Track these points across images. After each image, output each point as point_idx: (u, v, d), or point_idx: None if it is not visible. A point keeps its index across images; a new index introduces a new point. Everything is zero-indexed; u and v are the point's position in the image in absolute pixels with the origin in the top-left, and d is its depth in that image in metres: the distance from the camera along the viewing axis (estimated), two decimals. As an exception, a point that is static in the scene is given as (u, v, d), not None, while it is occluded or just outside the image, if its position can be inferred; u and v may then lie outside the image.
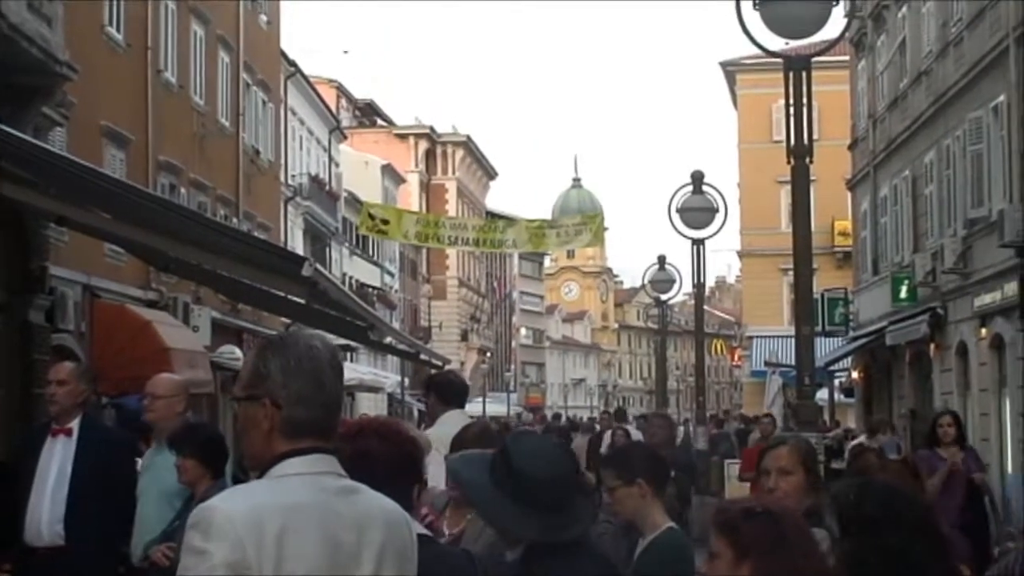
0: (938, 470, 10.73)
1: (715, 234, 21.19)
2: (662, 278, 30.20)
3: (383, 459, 3.59)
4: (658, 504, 5.17)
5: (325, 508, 2.84)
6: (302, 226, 41.66)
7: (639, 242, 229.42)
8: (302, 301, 10.64)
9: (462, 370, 71.94)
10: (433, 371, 17.28)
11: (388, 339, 21.97)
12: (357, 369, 36.92)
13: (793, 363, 13.11)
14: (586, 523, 3.82)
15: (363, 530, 2.87)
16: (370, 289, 52.68)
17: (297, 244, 39.56)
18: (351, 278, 50.57)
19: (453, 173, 75.05)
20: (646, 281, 31.70)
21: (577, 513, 3.74)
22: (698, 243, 21.42)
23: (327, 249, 45.61)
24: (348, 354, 38.59)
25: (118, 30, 22.54)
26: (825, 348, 34.88)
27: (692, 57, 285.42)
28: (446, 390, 7.61)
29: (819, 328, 28.99)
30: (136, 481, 7.42)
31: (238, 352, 25.86)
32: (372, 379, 38.56)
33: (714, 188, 21.10)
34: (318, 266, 8.39)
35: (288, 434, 2.90)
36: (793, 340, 11.80)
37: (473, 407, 52.51)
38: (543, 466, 3.70)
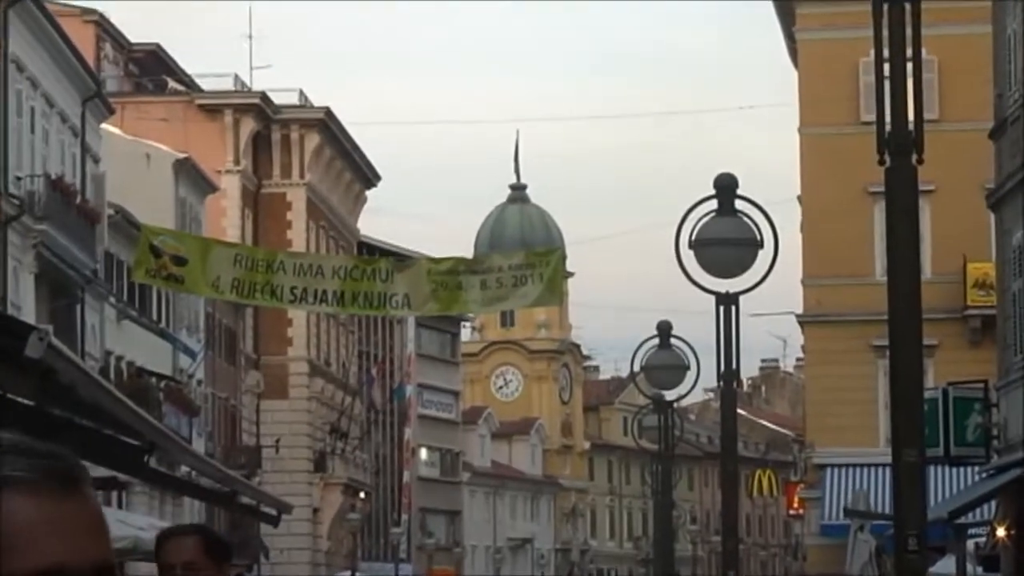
0: None
1: (757, 285, 21.27)
2: (666, 362, 30.24)
3: None
4: None
5: None
6: (33, 267, 41.43)
7: (626, 300, 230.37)
8: (28, 402, 10.60)
9: (317, 521, 71.44)
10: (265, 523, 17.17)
11: (183, 468, 21.82)
12: (128, 521, 36.54)
13: (892, 512, 13.15)
14: None
15: None
16: (154, 380, 52.45)
17: (25, 300, 39.31)
18: (120, 360, 50.27)
19: (302, 176, 75.07)
20: (638, 368, 31.78)
21: None
22: (728, 300, 21.51)
23: (77, 308, 45.36)
24: (113, 494, 38.26)
25: None
26: (951, 485, 35.04)
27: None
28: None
29: (939, 451, 29.15)
30: None
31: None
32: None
33: (755, 205, 21.22)
34: (56, 341, 8.35)
35: None
36: (892, 472, 11.83)
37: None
38: None
